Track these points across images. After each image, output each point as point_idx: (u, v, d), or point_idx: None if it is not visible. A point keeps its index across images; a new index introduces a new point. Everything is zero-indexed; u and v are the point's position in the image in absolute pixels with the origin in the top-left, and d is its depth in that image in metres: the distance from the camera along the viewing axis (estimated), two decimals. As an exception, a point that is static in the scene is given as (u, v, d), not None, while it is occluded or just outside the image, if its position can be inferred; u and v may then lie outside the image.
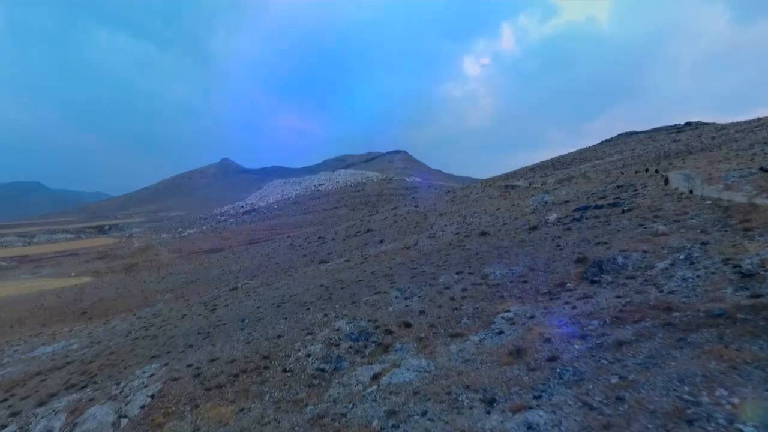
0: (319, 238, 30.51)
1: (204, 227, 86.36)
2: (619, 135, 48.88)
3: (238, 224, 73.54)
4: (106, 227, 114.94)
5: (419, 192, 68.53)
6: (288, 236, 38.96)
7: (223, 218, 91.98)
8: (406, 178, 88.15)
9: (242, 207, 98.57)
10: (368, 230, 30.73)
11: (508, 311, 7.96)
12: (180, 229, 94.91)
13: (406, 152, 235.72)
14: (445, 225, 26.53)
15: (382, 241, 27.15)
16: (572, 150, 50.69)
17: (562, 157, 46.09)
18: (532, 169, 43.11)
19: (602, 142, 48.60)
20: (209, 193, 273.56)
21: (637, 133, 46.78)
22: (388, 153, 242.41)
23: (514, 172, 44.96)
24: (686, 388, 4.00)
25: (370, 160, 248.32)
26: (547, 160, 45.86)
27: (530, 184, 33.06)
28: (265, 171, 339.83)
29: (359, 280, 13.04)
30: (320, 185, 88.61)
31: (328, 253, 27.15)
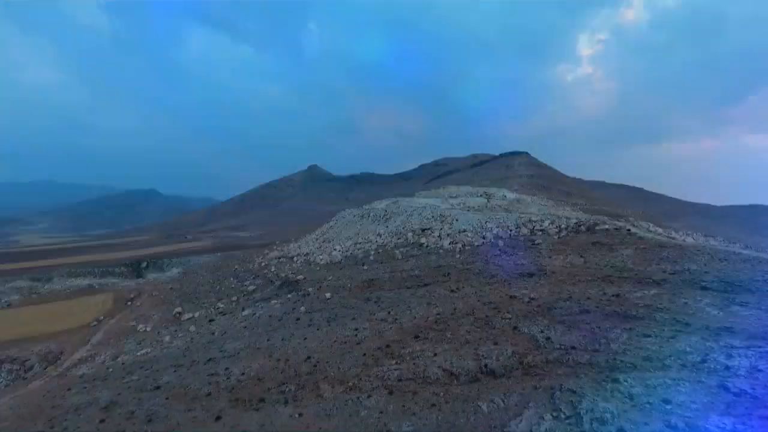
0: None
1: (229, 302, 49.47)
2: None
3: (266, 320, 33.46)
4: (144, 265, 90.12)
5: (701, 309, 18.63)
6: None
7: (257, 280, 53.84)
8: (619, 223, 33.34)
9: (294, 258, 59.02)
10: None
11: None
12: (212, 298, 60.63)
13: (527, 154, 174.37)
14: None
15: None
16: None
17: None
18: None
19: None
20: (293, 205, 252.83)
21: None
22: (503, 155, 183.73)
23: None
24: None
25: (477, 164, 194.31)
26: None
27: None
28: (353, 178, 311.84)
29: None
30: (422, 231, 42.68)
31: None
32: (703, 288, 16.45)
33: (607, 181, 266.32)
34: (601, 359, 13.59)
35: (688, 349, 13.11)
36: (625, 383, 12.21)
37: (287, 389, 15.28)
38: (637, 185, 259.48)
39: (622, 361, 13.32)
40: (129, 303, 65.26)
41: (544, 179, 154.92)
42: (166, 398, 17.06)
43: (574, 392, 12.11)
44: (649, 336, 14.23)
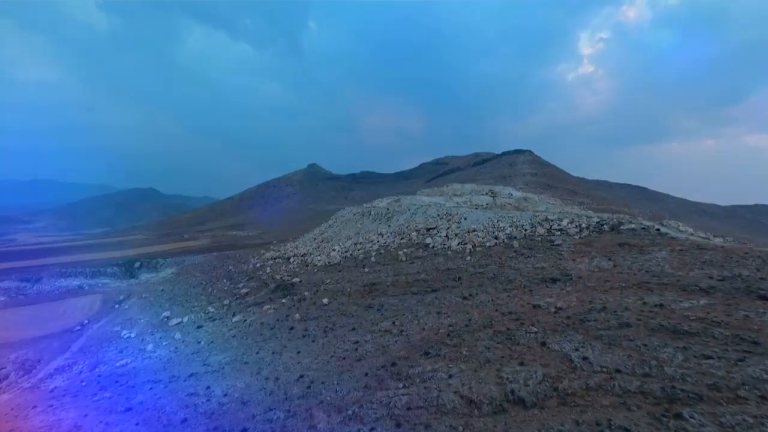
0: None
1: (220, 306, 46.10)
2: None
3: (257, 328, 29.96)
4: (137, 265, 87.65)
5: None
6: None
7: (251, 282, 51.01)
8: (647, 222, 27.93)
9: (290, 259, 56.09)
10: None
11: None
12: (203, 301, 57.05)
13: (531, 152, 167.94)
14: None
15: None
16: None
17: None
18: None
19: None
20: (292, 203, 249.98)
21: None
22: (505, 154, 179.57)
23: None
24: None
25: (479, 163, 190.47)
26: None
27: None
28: (353, 177, 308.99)
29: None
30: (427, 230, 39.06)
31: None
32: (763, 297, 14.10)
33: (610, 180, 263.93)
34: (656, 386, 11.22)
35: (764, 375, 10.76)
36: (692, 420, 9.85)
37: (275, 417, 12.91)
38: (640, 185, 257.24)
39: (682, 389, 10.94)
40: (117, 306, 62.88)
41: (548, 178, 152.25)
42: (136, 424, 14.68)
43: (628, 431, 9.80)
44: (711, 357, 11.89)
